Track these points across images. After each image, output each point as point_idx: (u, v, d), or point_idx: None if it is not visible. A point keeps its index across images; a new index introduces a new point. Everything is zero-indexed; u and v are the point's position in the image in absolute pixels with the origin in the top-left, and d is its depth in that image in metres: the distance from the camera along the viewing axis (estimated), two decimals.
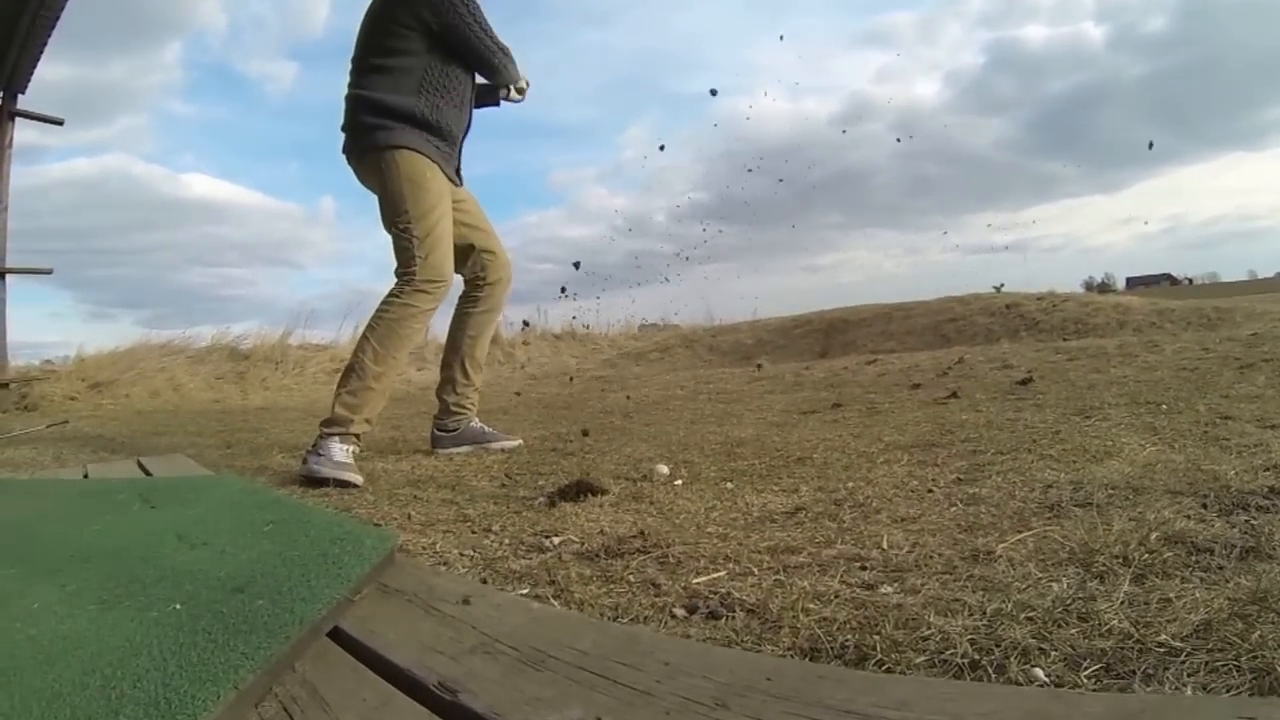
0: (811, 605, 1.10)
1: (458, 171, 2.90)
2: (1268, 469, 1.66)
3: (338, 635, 1.02)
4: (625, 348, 12.24)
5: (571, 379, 8.01)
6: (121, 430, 4.88)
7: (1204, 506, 1.43)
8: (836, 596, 1.14)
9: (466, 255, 2.95)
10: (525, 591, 1.25)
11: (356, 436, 2.51)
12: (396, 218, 2.61)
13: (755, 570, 1.28)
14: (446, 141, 2.74)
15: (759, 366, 7.17)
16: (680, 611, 1.12)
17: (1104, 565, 1.16)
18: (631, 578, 1.28)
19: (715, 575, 1.27)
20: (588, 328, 12.97)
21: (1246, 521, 1.32)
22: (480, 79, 2.94)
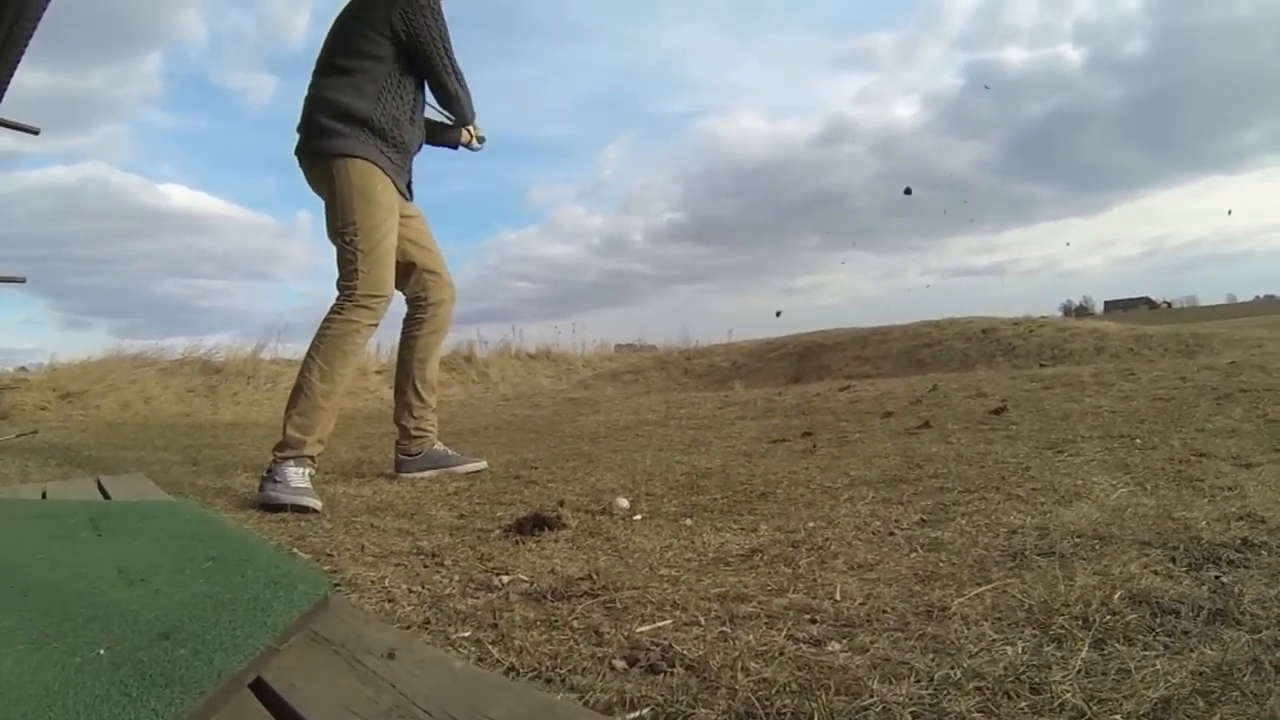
0: (753, 664, 1.04)
1: (409, 186, 2.86)
2: (1240, 517, 1.59)
3: (260, 687, 1.00)
4: (600, 369, 12.16)
5: (537, 405, 7.90)
6: (89, 442, 4.82)
7: (1172, 560, 1.35)
8: (781, 654, 1.07)
9: (409, 273, 2.90)
10: (467, 635, 1.20)
11: (311, 459, 2.49)
12: (343, 228, 2.57)
13: (702, 620, 1.22)
14: (400, 154, 2.70)
15: (730, 391, 7.11)
16: (620, 664, 1.07)
17: (1063, 627, 1.09)
18: (576, 623, 1.23)
19: (660, 624, 1.21)
20: (562, 351, 12.88)
21: (1216, 578, 1.25)
22: (441, 115, 2.95)
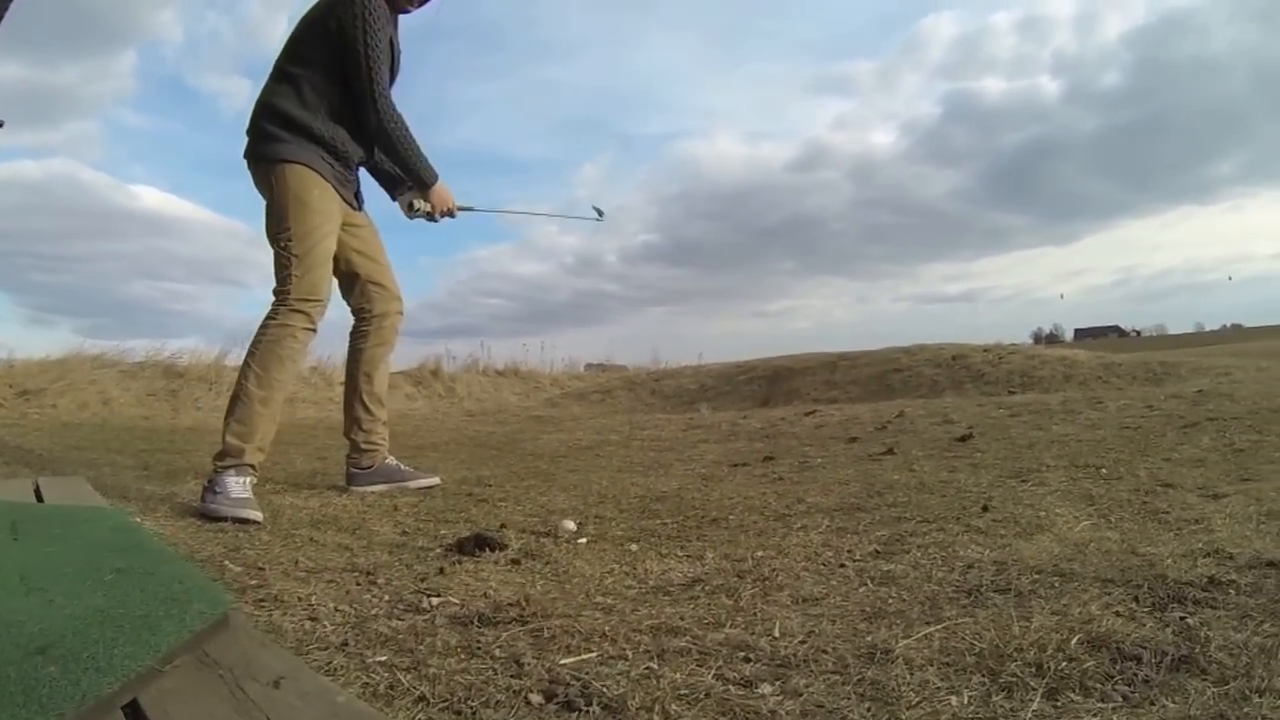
0: (674, 705, 0.96)
1: (356, 195, 2.80)
2: (1208, 553, 1.50)
3: (135, 710, 0.96)
4: (568, 387, 12.07)
5: (501, 422, 7.78)
6: (41, 443, 4.71)
7: (1135, 600, 1.26)
8: (707, 695, 0.99)
9: (353, 284, 2.87)
10: (383, 659, 1.13)
11: (252, 467, 2.45)
12: (279, 233, 2.53)
13: (630, 653, 1.15)
14: (342, 162, 2.64)
15: (695, 414, 7.02)
16: (536, 698, 1.00)
17: (1014, 674, 0.99)
18: (499, 652, 1.16)
19: (585, 656, 1.14)
20: (530, 369, 12.78)
21: (1181, 619, 1.16)
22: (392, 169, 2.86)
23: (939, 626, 1.19)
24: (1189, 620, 1.15)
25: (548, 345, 17.60)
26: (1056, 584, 1.38)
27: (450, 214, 2.94)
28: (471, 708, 0.97)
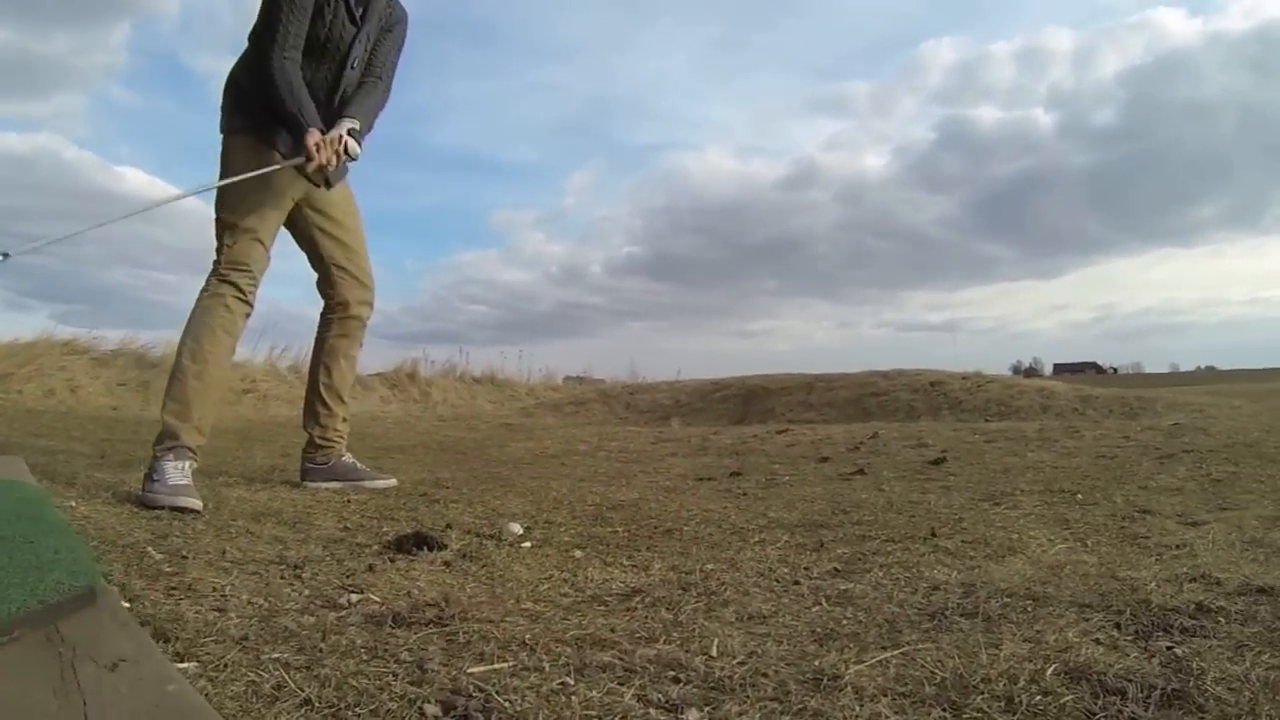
0: None
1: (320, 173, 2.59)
2: (1194, 579, 1.38)
3: None
4: (544, 397, 11.96)
5: (472, 428, 7.63)
6: (0, 428, 4.59)
7: (1117, 627, 1.13)
8: (622, 718, 0.87)
9: (321, 268, 2.77)
10: (279, 657, 1.05)
11: (192, 450, 2.36)
12: (218, 204, 2.48)
13: (547, 665, 1.05)
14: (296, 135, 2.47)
15: (666, 428, 6.89)
16: (432, 709, 0.91)
17: (980, 709, 0.85)
18: (405, 655, 1.07)
19: (497, 666, 1.05)
20: (507, 377, 12.67)
21: (1169, 649, 1.03)
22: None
23: (896, 652, 1.05)
24: (1177, 650, 1.02)
25: (526, 355, 17.47)
26: (1029, 608, 1.25)
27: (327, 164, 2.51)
28: (359, 715, 0.88)
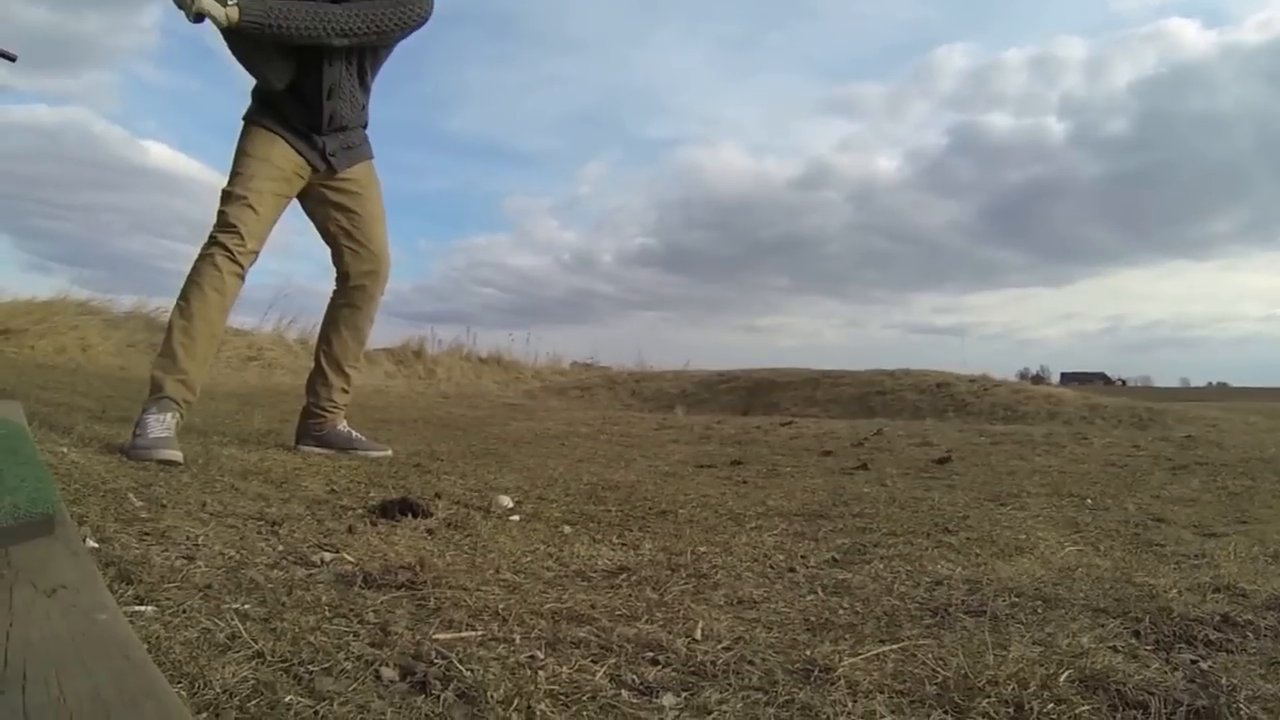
0: (543, 704, 0.79)
1: (323, 154, 2.63)
2: (1217, 589, 1.29)
3: None
4: (549, 381, 11.95)
5: (474, 406, 7.57)
6: (9, 379, 4.58)
7: (1136, 635, 1.05)
8: (591, 698, 0.82)
9: (334, 243, 2.81)
10: (238, 607, 1.01)
11: (176, 403, 2.36)
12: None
13: (518, 638, 1.00)
14: (295, 117, 2.58)
15: (670, 415, 6.82)
16: (389, 673, 0.86)
17: (986, 712, 0.77)
18: (370, 616, 1.03)
19: (465, 634, 1.00)
20: (513, 359, 12.64)
21: (1193, 663, 0.94)
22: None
23: (895, 646, 0.97)
24: (1203, 664, 0.94)
25: (534, 338, 17.40)
26: (1039, 609, 1.17)
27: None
28: (310, 673, 0.84)
